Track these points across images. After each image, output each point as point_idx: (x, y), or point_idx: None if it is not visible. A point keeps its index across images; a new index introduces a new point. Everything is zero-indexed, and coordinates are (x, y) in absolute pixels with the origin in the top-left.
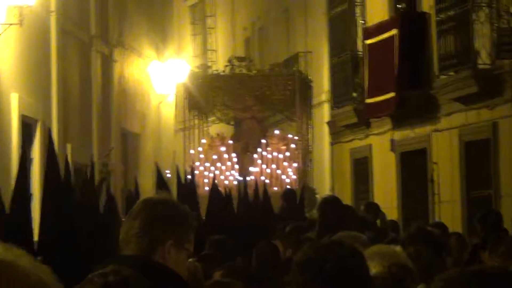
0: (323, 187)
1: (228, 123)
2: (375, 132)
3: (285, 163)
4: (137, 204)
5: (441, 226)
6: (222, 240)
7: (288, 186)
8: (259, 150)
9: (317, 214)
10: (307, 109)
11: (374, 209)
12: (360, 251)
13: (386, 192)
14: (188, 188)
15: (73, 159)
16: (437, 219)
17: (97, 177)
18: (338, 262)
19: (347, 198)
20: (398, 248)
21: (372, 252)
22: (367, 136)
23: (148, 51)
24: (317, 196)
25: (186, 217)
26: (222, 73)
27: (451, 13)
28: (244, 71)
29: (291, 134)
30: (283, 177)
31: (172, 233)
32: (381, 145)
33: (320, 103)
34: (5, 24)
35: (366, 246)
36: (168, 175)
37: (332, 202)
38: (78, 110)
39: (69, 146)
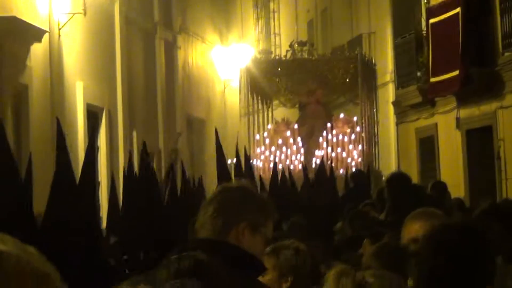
0: (389, 167)
1: (292, 107)
2: (440, 110)
3: (351, 146)
4: (215, 189)
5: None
6: (298, 222)
7: (356, 168)
8: (324, 133)
9: (385, 192)
10: (372, 91)
11: (440, 188)
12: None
13: (452, 170)
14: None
15: (139, 147)
16: (504, 196)
17: (164, 164)
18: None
19: (413, 178)
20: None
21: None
22: (432, 115)
23: (212, 36)
24: (383, 178)
25: (263, 203)
26: (283, 58)
27: None
28: (305, 55)
29: (356, 116)
30: (349, 160)
31: (246, 215)
32: (447, 123)
33: (384, 84)
34: (70, 13)
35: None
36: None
37: (401, 180)
38: (143, 97)
39: (135, 133)
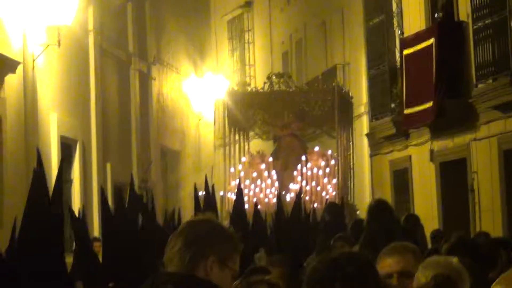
0: (363, 199)
1: (267, 140)
2: (414, 142)
3: (325, 180)
4: (182, 224)
5: (485, 236)
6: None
7: (330, 200)
8: (298, 167)
9: (365, 220)
10: (348, 124)
11: (413, 221)
12: (373, 264)
13: (426, 202)
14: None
15: (112, 178)
16: (478, 229)
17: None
18: (346, 280)
19: None
20: (454, 259)
21: (425, 263)
22: (406, 147)
23: (186, 68)
24: (358, 212)
25: (230, 236)
26: (260, 90)
27: (488, 21)
28: (282, 87)
29: (331, 149)
30: (323, 193)
31: (214, 249)
32: (421, 155)
33: (358, 115)
34: (44, 44)
35: (417, 256)
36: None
37: (382, 211)
38: (117, 129)
39: (108, 166)
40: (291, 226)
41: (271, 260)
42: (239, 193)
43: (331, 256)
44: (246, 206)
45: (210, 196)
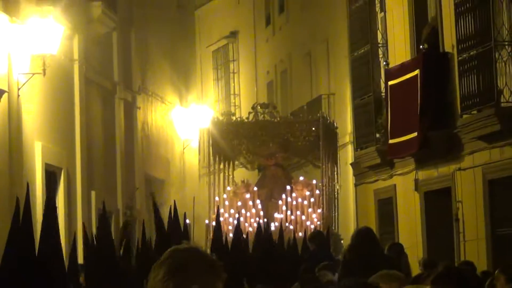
0: (348, 229)
1: (252, 169)
2: (399, 172)
3: (310, 209)
4: (165, 252)
5: (470, 265)
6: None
7: (315, 229)
8: (283, 196)
9: (348, 248)
10: (333, 153)
11: (397, 250)
12: None
13: (411, 232)
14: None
15: (97, 207)
16: (462, 258)
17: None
18: None
19: None
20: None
21: None
22: (391, 176)
23: (171, 97)
24: (342, 241)
25: (213, 265)
26: (245, 120)
27: (473, 52)
28: (267, 117)
29: (316, 179)
30: (308, 223)
31: (196, 278)
32: (405, 185)
33: (343, 145)
34: (29, 73)
35: (404, 285)
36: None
37: (365, 239)
38: (102, 157)
39: (93, 194)
40: (274, 255)
41: None
42: (218, 222)
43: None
44: (230, 235)
45: (174, 223)
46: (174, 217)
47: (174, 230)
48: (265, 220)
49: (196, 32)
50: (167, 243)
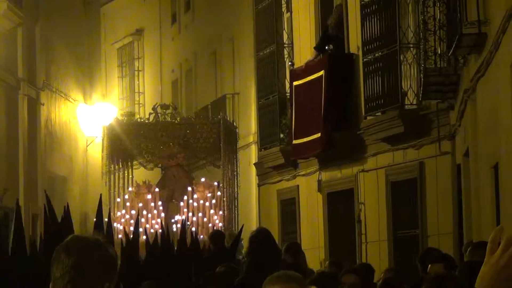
0: (250, 229)
1: (152, 169)
2: (302, 173)
3: (212, 211)
4: (72, 244)
5: (367, 267)
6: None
7: (215, 228)
8: (185, 198)
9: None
10: (233, 155)
11: (294, 250)
12: None
13: (313, 232)
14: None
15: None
16: (364, 259)
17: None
18: None
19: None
20: None
21: None
22: (294, 177)
23: (76, 94)
24: (242, 242)
25: (116, 260)
26: (146, 121)
27: (379, 54)
28: (168, 118)
29: (217, 180)
30: (210, 225)
31: (109, 276)
32: (308, 185)
33: (247, 145)
34: None
35: (302, 285)
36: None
37: (262, 241)
38: (5, 154)
39: None
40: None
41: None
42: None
43: None
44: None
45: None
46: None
47: (64, 228)
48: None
49: (101, 29)
50: (55, 240)
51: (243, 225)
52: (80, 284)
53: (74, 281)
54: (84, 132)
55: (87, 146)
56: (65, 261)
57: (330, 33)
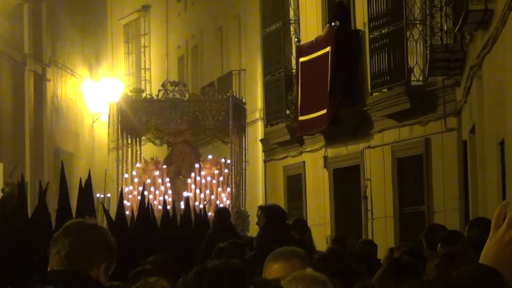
0: (256, 204)
1: (160, 145)
2: (308, 149)
3: (219, 188)
4: (71, 226)
5: (371, 244)
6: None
7: (221, 205)
8: (192, 174)
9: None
10: (241, 131)
11: (300, 225)
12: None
13: (319, 209)
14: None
15: (5, 178)
16: (370, 236)
17: (30, 196)
18: None
19: None
20: (309, 270)
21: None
22: (300, 153)
23: (82, 70)
24: (249, 217)
25: (114, 245)
26: (155, 98)
27: (385, 30)
28: (177, 95)
29: (224, 157)
30: (217, 202)
31: (105, 257)
32: (314, 162)
33: (253, 121)
34: None
35: (304, 261)
36: (98, 195)
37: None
38: (11, 129)
39: (1, 166)
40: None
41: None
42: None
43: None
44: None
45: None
46: (85, 187)
47: (83, 202)
48: (170, 199)
49: (108, 5)
50: (68, 215)
51: (238, 206)
52: (77, 258)
53: (70, 255)
54: (90, 108)
55: (93, 122)
56: (63, 240)
57: (346, 4)
